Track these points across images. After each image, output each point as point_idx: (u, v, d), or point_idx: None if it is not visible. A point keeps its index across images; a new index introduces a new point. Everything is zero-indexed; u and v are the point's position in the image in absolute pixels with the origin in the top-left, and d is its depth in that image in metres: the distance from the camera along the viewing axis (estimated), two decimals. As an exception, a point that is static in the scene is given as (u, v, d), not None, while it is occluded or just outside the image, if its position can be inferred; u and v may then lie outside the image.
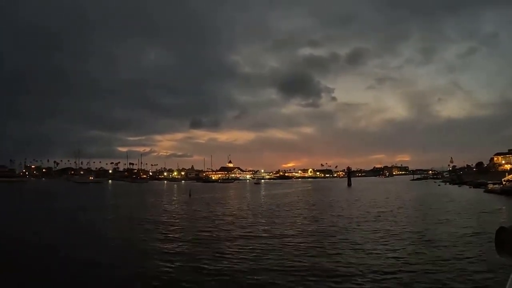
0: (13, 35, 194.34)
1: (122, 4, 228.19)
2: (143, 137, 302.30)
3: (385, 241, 12.42)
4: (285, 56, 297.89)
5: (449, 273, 8.38)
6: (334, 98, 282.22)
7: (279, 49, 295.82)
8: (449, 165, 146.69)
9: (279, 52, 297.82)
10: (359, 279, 8.01)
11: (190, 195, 43.40)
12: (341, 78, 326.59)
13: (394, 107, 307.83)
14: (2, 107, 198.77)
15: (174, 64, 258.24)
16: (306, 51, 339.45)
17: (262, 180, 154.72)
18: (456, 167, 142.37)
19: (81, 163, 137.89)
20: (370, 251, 10.88)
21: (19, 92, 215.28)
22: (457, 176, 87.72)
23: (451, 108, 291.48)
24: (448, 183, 77.11)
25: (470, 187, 56.43)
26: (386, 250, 10.88)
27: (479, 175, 79.73)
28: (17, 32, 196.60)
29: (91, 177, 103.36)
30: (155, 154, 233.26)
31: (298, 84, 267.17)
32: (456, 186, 66.82)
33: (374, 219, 18.41)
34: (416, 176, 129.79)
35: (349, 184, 75.40)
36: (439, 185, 73.61)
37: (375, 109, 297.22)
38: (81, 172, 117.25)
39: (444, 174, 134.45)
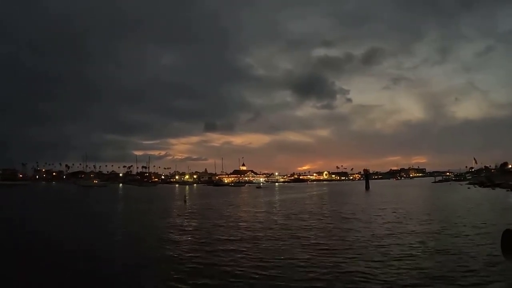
0: (31, 39, 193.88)
1: (136, 8, 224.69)
2: (158, 141, 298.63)
3: None
4: (298, 57, 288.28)
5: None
6: (349, 100, 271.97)
7: (293, 50, 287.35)
8: (466, 166, 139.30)
9: (292, 53, 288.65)
10: None
11: (185, 201, 36.57)
12: (356, 79, 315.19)
13: (410, 108, 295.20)
14: (19, 111, 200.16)
15: (188, 68, 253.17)
16: (320, 51, 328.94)
17: (277, 184, 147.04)
18: (474, 169, 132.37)
19: (93, 167, 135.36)
20: None
21: (36, 96, 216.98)
22: (487, 178, 77.16)
23: (468, 109, 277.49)
24: (477, 186, 67.41)
25: (508, 190, 47.08)
26: None
27: (509, 177, 70.72)
28: (35, 36, 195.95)
29: (96, 180, 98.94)
30: (170, 157, 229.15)
31: (312, 85, 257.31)
32: (488, 189, 57.38)
33: (427, 255, 10.55)
34: (437, 178, 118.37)
35: (367, 188, 66.64)
36: (468, 188, 64.01)
37: (390, 111, 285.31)
38: (91, 175, 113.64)
39: (466, 176, 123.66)
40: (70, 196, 51.27)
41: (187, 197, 39.33)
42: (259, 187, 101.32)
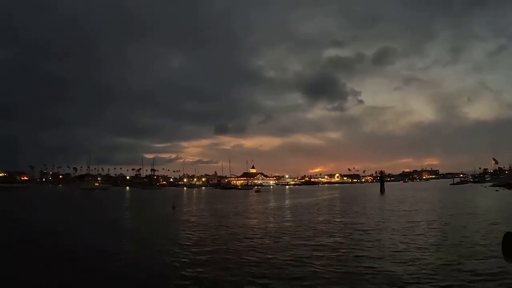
0: (42, 42, 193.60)
1: (144, 10, 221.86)
2: (169, 144, 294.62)
3: None
4: (309, 58, 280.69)
5: None
6: (360, 101, 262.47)
7: (304, 51, 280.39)
8: (480, 168, 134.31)
9: (303, 54, 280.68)
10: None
11: (174, 207, 30.55)
12: (367, 80, 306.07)
13: (421, 109, 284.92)
14: (30, 115, 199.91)
15: (198, 70, 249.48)
16: (331, 52, 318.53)
17: (287, 186, 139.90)
18: (488, 170, 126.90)
19: (101, 169, 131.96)
20: None
21: (47, 99, 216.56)
22: (515, 179, 67.99)
23: (480, 110, 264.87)
24: (504, 188, 58.73)
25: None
26: None
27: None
28: (45, 39, 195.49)
29: (97, 183, 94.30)
30: (181, 160, 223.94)
31: (323, 87, 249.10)
32: (520, 191, 49.17)
33: None
34: (456, 180, 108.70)
35: (382, 191, 59.20)
36: (496, 190, 55.41)
37: (402, 112, 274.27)
38: (98, 178, 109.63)
39: (486, 177, 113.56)
40: (51, 200, 47.12)
41: (175, 203, 33.03)
42: (258, 190, 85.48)
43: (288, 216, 23.71)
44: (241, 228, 17.33)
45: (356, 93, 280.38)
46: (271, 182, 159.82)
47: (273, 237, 14.18)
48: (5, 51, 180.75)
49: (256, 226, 17.98)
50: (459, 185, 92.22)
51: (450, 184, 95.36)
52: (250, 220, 21.46)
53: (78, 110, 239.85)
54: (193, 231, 16.41)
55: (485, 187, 69.86)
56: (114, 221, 21.37)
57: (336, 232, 15.05)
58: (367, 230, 15.49)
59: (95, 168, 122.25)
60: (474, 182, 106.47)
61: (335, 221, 19.68)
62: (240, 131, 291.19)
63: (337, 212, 25.91)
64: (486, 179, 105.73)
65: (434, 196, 45.74)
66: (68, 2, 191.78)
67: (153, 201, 45.05)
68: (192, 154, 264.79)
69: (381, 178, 68.28)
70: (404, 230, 15.15)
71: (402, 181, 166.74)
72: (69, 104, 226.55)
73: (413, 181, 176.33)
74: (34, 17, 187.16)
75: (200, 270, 8.93)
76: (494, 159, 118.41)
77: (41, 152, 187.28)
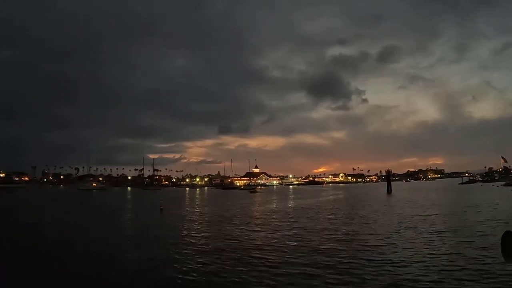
0: (46, 43, 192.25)
1: (148, 11, 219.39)
2: (173, 144, 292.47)
3: None
4: (313, 57, 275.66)
5: None
6: (365, 100, 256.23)
7: (308, 51, 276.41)
8: (485, 167, 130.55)
9: (307, 53, 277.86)
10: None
11: (161, 210, 27.80)
12: (371, 79, 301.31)
13: (426, 108, 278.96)
14: (35, 116, 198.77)
15: (202, 70, 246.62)
16: (335, 51, 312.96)
17: (291, 186, 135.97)
18: (493, 169, 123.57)
19: (104, 170, 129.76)
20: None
21: (52, 100, 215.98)
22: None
23: (485, 109, 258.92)
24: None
25: None
26: None
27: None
28: (50, 40, 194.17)
29: (95, 183, 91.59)
30: (185, 160, 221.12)
31: (327, 86, 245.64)
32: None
33: None
34: (464, 179, 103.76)
35: (389, 191, 55.15)
36: (512, 190, 51.26)
37: (406, 111, 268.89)
38: (100, 179, 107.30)
39: (495, 176, 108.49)
40: (39, 200, 44.43)
41: (162, 206, 29.68)
42: (253, 191, 75.48)
43: (284, 227, 19.94)
44: (217, 240, 13.68)
45: (360, 92, 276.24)
46: (275, 182, 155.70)
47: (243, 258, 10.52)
48: (8, 51, 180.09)
49: (239, 238, 14.30)
50: (468, 185, 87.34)
51: (459, 184, 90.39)
52: (236, 228, 17.77)
53: (82, 111, 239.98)
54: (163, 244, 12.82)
55: (497, 186, 65.26)
56: (90, 224, 19.50)
57: (341, 258, 11.26)
58: (380, 246, 11.75)
59: (97, 169, 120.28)
60: (483, 181, 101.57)
61: (345, 223, 15.88)
62: (244, 131, 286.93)
63: (344, 214, 22.04)
64: (495, 178, 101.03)
65: (447, 197, 41.55)
66: (72, 2, 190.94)
67: (148, 202, 42.03)
68: (196, 154, 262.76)
69: (388, 177, 63.85)
70: (431, 255, 11.33)
71: (404, 181, 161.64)
72: (73, 104, 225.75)
73: (418, 180, 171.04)
74: (38, 17, 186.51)
75: None
76: (503, 158, 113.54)
77: (44, 153, 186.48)
